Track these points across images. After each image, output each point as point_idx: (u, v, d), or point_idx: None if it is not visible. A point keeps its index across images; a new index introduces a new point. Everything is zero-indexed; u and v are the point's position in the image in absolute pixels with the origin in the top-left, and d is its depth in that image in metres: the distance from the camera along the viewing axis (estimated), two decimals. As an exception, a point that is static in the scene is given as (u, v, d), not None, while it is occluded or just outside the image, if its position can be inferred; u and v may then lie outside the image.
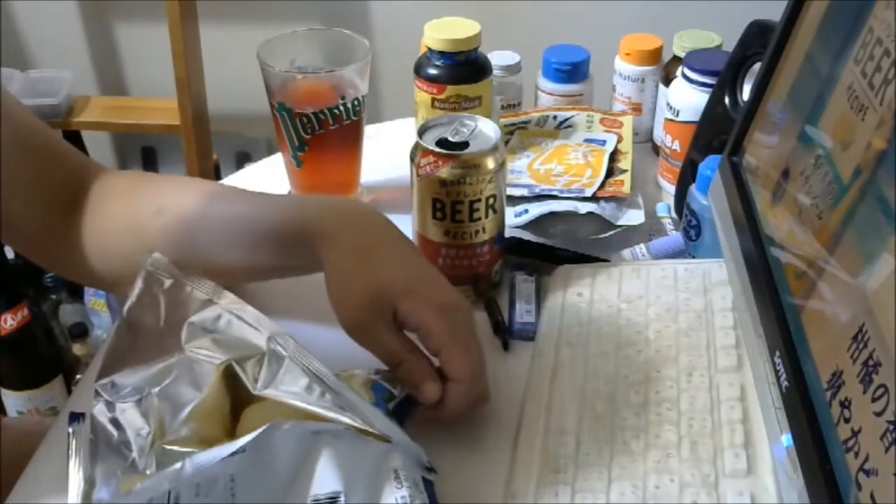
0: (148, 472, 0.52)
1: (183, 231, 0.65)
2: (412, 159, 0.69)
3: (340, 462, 0.50)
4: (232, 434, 0.55)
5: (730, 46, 0.80)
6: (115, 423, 0.55)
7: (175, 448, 0.53)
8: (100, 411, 0.56)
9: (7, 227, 0.67)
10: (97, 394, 0.56)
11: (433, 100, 0.85)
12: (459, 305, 0.59)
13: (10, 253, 1.64)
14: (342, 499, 0.48)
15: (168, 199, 0.67)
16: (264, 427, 0.49)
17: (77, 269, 0.70)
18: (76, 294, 1.67)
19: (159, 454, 0.52)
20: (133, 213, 0.68)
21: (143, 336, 0.58)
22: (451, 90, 0.84)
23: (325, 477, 0.49)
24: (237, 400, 0.56)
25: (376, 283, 0.58)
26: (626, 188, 0.81)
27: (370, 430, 0.52)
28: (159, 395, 0.55)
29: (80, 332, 1.55)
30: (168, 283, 0.59)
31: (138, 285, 0.59)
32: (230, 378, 0.55)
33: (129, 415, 0.55)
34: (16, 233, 0.69)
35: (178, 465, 0.48)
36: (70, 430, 0.55)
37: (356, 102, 0.80)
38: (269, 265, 0.66)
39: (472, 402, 0.59)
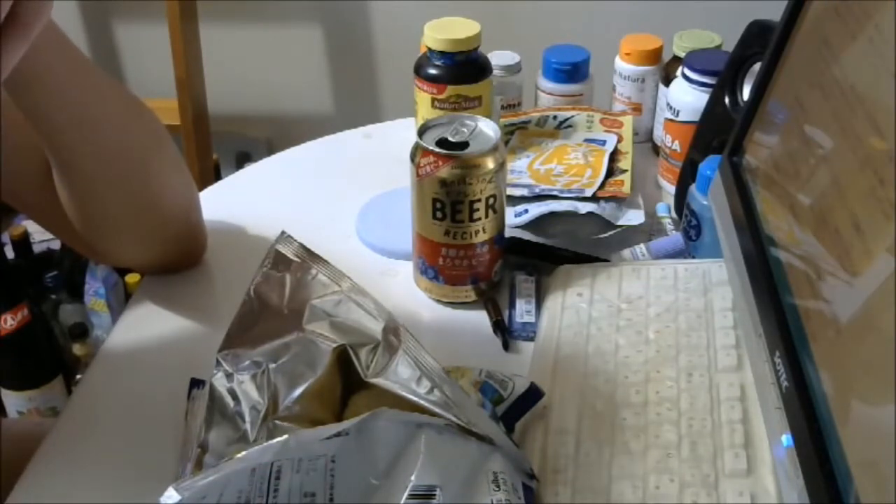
0: (257, 445, 0.53)
1: None
2: (412, 159, 0.69)
3: (440, 457, 0.50)
4: (340, 418, 0.55)
5: (730, 46, 0.80)
6: (232, 393, 0.56)
7: (286, 425, 0.53)
8: (219, 380, 0.57)
9: (9, 183, 0.68)
10: (218, 363, 0.57)
11: (433, 100, 0.85)
12: None
13: (10, 253, 1.65)
14: (439, 493, 0.48)
15: None
16: (368, 413, 0.49)
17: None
18: (76, 294, 1.67)
19: (271, 429, 0.53)
20: None
21: (266, 312, 0.59)
22: (451, 90, 0.84)
23: (424, 470, 0.49)
24: (349, 385, 0.56)
25: None
26: (626, 188, 0.81)
27: (473, 429, 0.52)
28: (276, 370, 0.56)
29: (80, 332, 1.55)
30: (295, 263, 0.59)
31: (266, 263, 0.60)
32: (344, 363, 0.56)
33: (247, 387, 0.56)
34: (17, 190, 0.70)
35: (282, 439, 0.48)
36: (190, 395, 0.58)
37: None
38: None
39: None
